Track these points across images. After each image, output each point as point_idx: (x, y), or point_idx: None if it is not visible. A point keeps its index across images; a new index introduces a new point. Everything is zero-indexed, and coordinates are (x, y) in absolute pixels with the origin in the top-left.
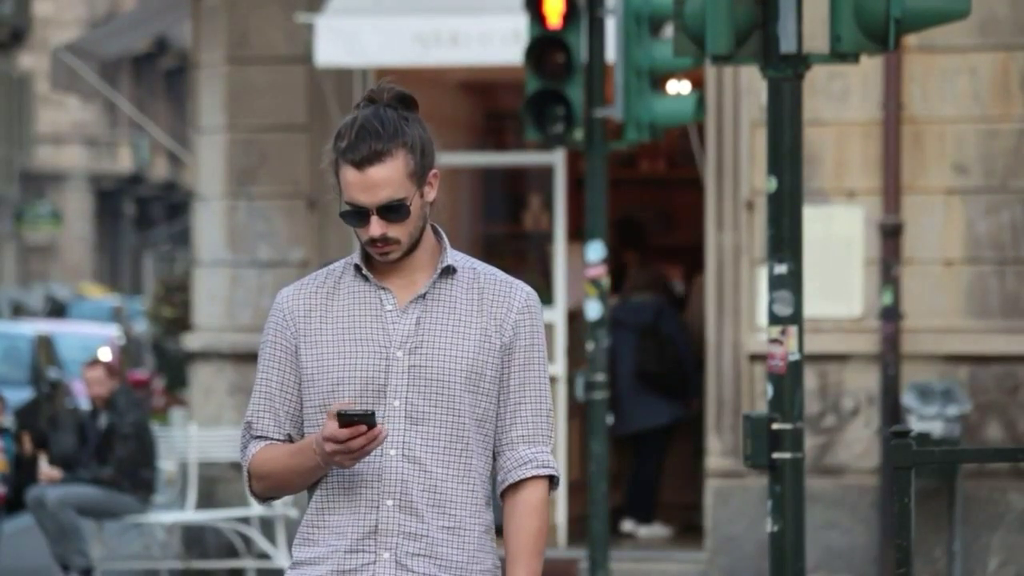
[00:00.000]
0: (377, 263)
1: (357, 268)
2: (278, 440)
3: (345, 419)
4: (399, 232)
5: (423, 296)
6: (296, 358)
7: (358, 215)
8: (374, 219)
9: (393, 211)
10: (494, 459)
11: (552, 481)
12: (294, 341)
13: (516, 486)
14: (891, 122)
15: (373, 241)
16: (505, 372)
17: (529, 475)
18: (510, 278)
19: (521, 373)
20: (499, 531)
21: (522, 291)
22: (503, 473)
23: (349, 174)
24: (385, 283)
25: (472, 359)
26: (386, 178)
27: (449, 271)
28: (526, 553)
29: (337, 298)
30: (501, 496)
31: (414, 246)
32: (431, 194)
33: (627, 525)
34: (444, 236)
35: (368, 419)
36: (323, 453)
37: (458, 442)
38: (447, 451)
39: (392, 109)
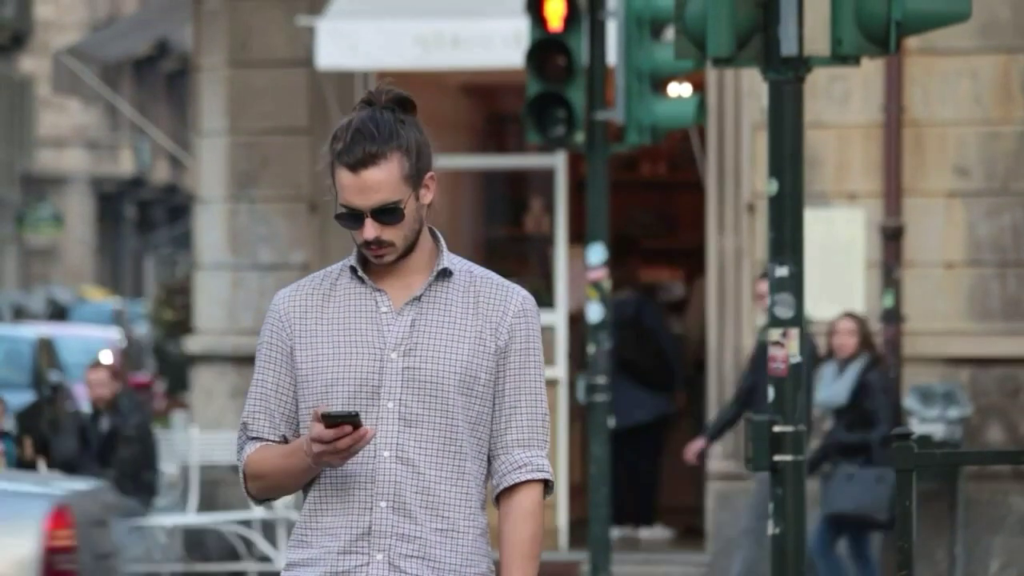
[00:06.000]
0: (373, 265)
1: (353, 270)
2: (273, 441)
3: (330, 420)
4: (393, 235)
5: (418, 298)
6: (292, 359)
7: (352, 217)
8: (368, 222)
9: (387, 214)
10: (489, 463)
11: (547, 486)
12: (290, 343)
13: (511, 490)
14: (892, 125)
15: (368, 244)
16: (500, 376)
17: (524, 479)
18: (506, 282)
19: (516, 377)
20: None
21: (518, 295)
22: (498, 477)
23: (344, 176)
24: (381, 285)
25: (466, 362)
26: (380, 181)
27: (445, 274)
28: (520, 557)
29: (333, 300)
30: (496, 500)
31: (410, 248)
32: (427, 197)
33: (628, 527)
34: (441, 239)
35: (352, 419)
36: (312, 455)
37: (451, 445)
38: (441, 454)
39: (389, 111)
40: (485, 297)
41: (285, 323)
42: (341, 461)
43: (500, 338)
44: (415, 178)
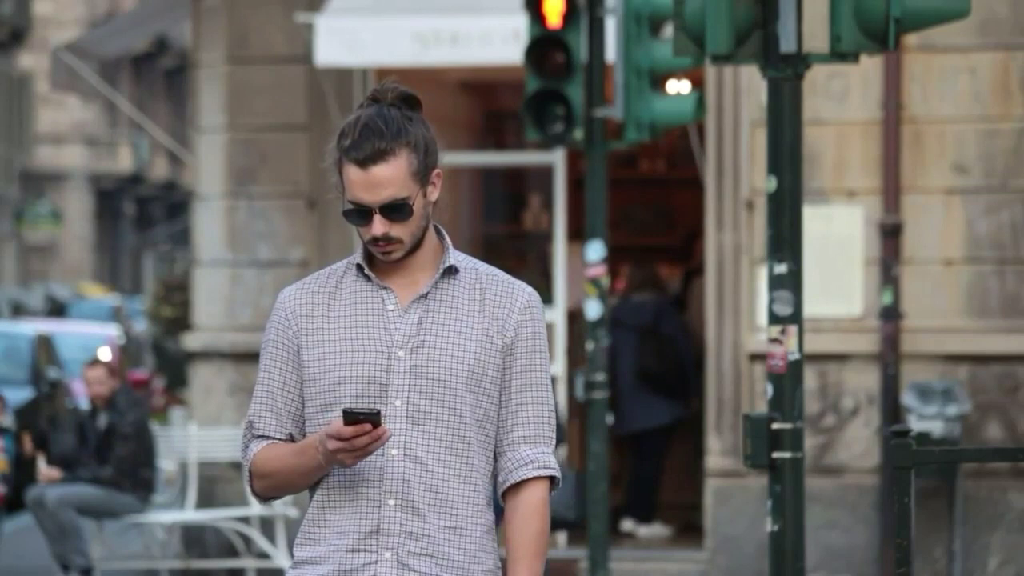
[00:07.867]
0: (379, 262)
1: (359, 268)
2: (280, 439)
3: (350, 417)
4: (401, 231)
5: (425, 296)
6: (298, 358)
7: (360, 214)
8: (377, 218)
9: (396, 210)
10: (495, 460)
11: (553, 482)
12: (296, 341)
13: (517, 487)
14: (891, 122)
15: (375, 240)
16: (507, 373)
17: (530, 476)
18: (512, 279)
19: (523, 374)
20: None
21: (524, 292)
22: (504, 474)
23: (352, 172)
24: (387, 283)
25: (474, 359)
26: (389, 177)
27: (451, 271)
28: (528, 554)
29: (339, 298)
30: (502, 497)
31: (416, 246)
32: (434, 194)
33: (627, 524)
34: (446, 236)
35: (373, 418)
36: (326, 451)
37: (459, 442)
38: (448, 451)
39: (396, 108)
40: (491, 294)
41: (291, 321)
42: (355, 460)
43: (506, 335)
44: (423, 174)
